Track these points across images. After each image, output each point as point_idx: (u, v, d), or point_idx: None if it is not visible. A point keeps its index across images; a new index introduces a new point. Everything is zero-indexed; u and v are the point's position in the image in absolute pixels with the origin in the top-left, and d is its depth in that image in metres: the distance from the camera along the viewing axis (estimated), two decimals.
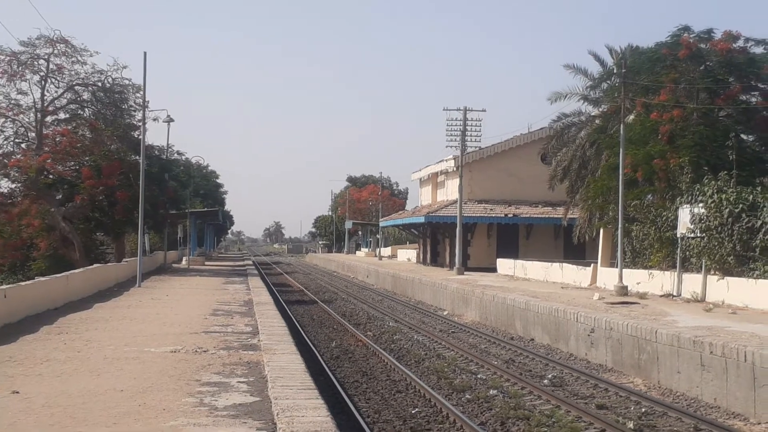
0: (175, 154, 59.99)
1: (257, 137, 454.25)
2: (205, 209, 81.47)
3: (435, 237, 63.40)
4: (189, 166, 72.23)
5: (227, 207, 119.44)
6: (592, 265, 37.88)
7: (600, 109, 42.11)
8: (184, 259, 64.18)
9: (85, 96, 47.19)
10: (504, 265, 48.65)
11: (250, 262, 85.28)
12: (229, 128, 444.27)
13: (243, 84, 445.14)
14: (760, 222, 26.64)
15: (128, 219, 44.94)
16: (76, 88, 46.40)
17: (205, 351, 16.49)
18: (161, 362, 14.99)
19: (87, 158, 45.30)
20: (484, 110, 51.88)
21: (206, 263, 68.65)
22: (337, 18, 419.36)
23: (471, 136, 50.71)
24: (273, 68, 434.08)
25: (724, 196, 28.03)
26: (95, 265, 37.11)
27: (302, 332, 27.25)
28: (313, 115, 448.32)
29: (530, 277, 42.88)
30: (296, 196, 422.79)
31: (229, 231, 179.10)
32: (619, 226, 31.74)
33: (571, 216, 44.17)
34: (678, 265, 29.43)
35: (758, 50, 34.55)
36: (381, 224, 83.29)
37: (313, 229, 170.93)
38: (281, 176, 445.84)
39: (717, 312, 23.83)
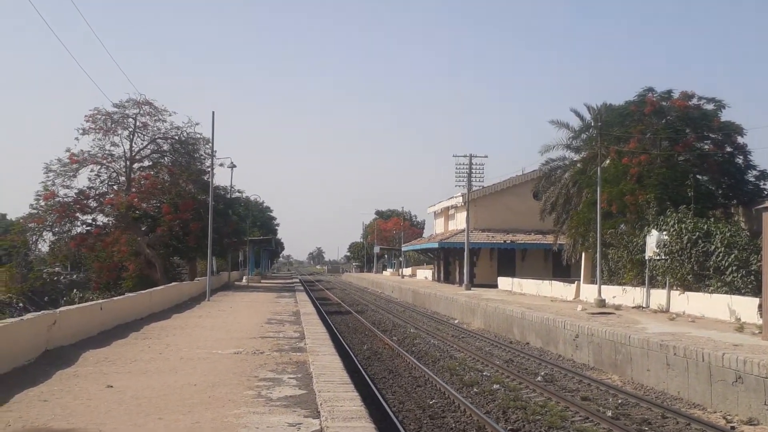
0: (237, 193, 60.27)
1: (305, 178, 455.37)
2: (261, 237, 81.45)
3: (447, 259, 63.19)
4: (248, 202, 72.63)
5: (278, 235, 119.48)
6: (576, 282, 37.61)
7: (580, 155, 41.88)
8: (244, 278, 64.27)
9: (165, 147, 47.52)
10: (504, 282, 48.38)
11: (297, 281, 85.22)
12: (281, 167, 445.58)
13: (292, 130, 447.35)
14: (713, 247, 26.43)
15: (199, 246, 45.10)
16: (158, 140, 46.79)
17: (261, 353, 16.50)
18: (226, 362, 15.02)
19: (166, 197, 45.60)
20: (486, 156, 51.91)
21: (262, 281, 68.64)
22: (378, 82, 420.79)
23: (475, 176, 50.69)
24: (314, 117, 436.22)
25: (683, 225, 27.85)
26: (173, 283, 37.23)
27: (340, 337, 27.19)
28: (347, 159, 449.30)
29: (525, 292, 42.59)
30: (335, 225, 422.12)
31: (280, 255, 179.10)
32: (598, 250, 31.56)
33: (560, 242, 43.93)
34: (646, 282, 29.19)
35: (709, 107, 34.45)
36: (403, 249, 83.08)
37: (348, 253, 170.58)
38: (324, 210, 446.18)
39: (679, 321, 23.59)
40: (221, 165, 49.17)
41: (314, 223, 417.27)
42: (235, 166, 50.25)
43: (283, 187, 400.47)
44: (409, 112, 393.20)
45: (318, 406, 10.54)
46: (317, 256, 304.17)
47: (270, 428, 9.37)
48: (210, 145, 40.01)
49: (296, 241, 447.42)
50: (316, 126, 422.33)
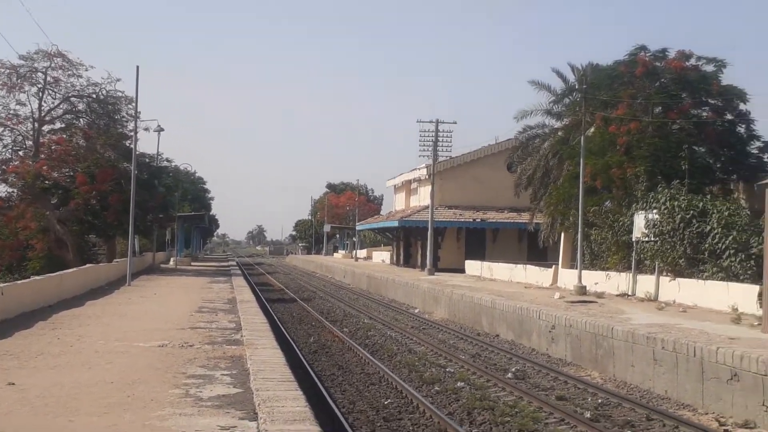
0: (165, 162, 59.68)
1: (243, 144, 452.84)
2: (192, 213, 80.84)
3: (408, 240, 63.44)
4: (177, 172, 71.94)
5: (213, 211, 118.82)
6: (553, 266, 38.06)
7: (562, 122, 42.32)
8: (172, 259, 63.87)
9: (80, 107, 46.90)
10: (472, 266, 48.76)
11: (234, 263, 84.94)
12: (215, 136, 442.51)
13: (230, 93, 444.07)
14: (708, 227, 26.89)
15: (119, 222, 44.62)
16: (72, 99, 46.10)
17: (190, 345, 16.45)
18: (149, 356, 14.94)
19: (81, 165, 44.97)
20: (454, 122, 52.63)
21: (192, 264, 68.33)
22: (326, 36, 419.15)
23: (442, 146, 50.92)
24: (258, 77, 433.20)
25: (676, 203, 28.27)
26: (87, 265, 36.85)
27: (282, 328, 27.18)
28: (295, 124, 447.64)
29: (496, 278, 43.00)
30: (278, 201, 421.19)
31: (214, 234, 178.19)
32: (579, 230, 31.92)
33: (536, 221, 44.38)
34: (633, 266, 29.65)
35: (709, 68, 34.76)
36: (357, 228, 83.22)
37: (294, 232, 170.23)
38: (264, 182, 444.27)
39: (669, 310, 24.03)
40: (146, 129, 48.66)
41: (255, 198, 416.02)
42: (162, 129, 49.87)
43: (220, 157, 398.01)
44: (368, 71, 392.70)
45: (255, 407, 10.56)
46: (258, 236, 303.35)
47: None
48: (134, 105, 39.40)
49: (234, 218, 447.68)
50: (257, 87, 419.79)
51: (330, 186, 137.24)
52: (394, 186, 72.18)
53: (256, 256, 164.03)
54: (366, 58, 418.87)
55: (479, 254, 53.19)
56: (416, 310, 36.08)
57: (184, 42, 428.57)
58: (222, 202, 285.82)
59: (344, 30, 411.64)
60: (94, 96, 46.35)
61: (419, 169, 60.10)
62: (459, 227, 56.15)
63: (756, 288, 22.11)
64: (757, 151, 35.08)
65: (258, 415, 10.06)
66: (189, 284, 38.73)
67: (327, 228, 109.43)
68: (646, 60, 34.69)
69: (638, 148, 33.01)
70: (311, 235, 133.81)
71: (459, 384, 17.57)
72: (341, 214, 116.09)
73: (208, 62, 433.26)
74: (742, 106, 34.63)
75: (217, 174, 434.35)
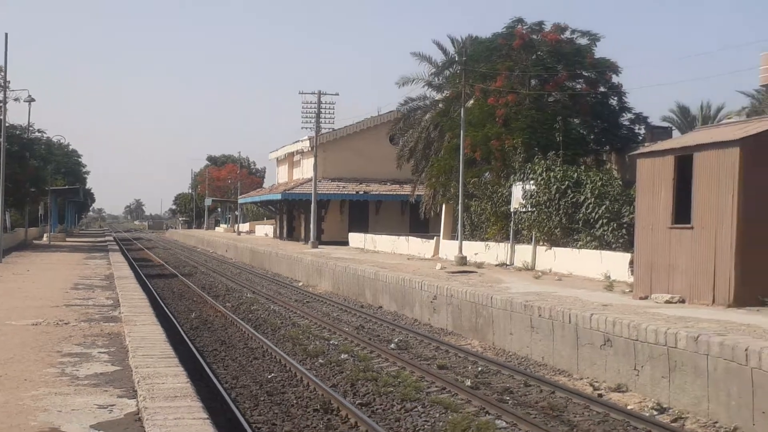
0: (36, 133, 57.47)
1: (120, 117, 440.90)
2: (66, 187, 78.33)
3: (291, 213, 63.20)
4: (50, 144, 69.48)
5: (88, 185, 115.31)
6: (435, 237, 38.63)
7: (443, 94, 42.76)
8: (45, 235, 61.83)
9: None
10: (355, 238, 49.02)
11: (111, 239, 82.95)
12: (90, 109, 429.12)
13: (100, 59, 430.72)
14: (583, 197, 27.67)
15: None
16: None
17: (66, 323, 16.01)
18: (22, 334, 14.48)
19: None
20: (337, 94, 52.68)
21: (67, 240, 66.38)
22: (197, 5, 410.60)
23: (325, 118, 50.90)
24: (134, 48, 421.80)
25: (552, 174, 28.97)
26: None
27: (162, 304, 26.71)
28: (174, 96, 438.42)
29: (379, 250, 43.35)
30: (157, 174, 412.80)
31: (90, 208, 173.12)
32: (460, 201, 32.47)
33: (418, 193, 44.86)
34: (511, 237, 30.37)
35: (583, 41, 35.66)
36: (240, 201, 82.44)
37: (174, 206, 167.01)
38: (143, 154, 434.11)
39: (545, 279, 24.74)
40: (16, 99, 46.70)
41: (133, 172, 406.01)
42: (33, 99, 48.00)
43: (95, 129, 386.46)
44: (249, 42, 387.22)
45: (135, 384, 10.39)
46: (136, 210, 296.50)
47: (76, 411, 9.15)
48: (2, 74, 37.79)
49: (110, 192, 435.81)
50: (133, 54, 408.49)
51: (211, 159, 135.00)
52: (277, 158, 71.71)
53: (134, 231, 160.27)
54: (247, 28, 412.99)
55: (362, 226, 53.49)
56: (300, 284, 36.05)
57: (59, 12, 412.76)
58: (98, 175, 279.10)
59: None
60: None
61: (302, 141, 59.84)
62: (342, 199, 56.29)
63: (627, 256, 22.97)
64: (628, 123, 36.20)
65: (137, 393, 9.89)
66: (64, 260, 37.62)
67: (208, 202, 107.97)
68: (524, 33, 35.27)
69: (516, 120, 33.64)
70: (192, 209, 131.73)
71: (343, 356, 17.66)
72: (223, 188, 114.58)
73: (83, 34, 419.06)
74: (614, 79, 35.66)
75: (92, 147, 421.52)
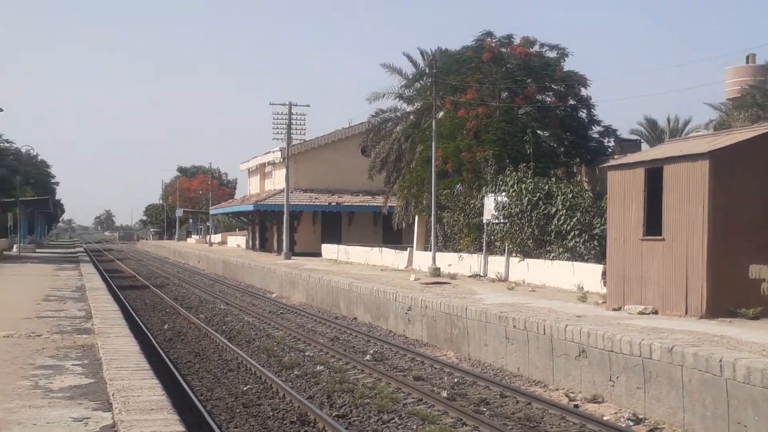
0: (5, 143, 56.86)
1: (90, 128, 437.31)
2: (36, 197, 77.56)
3: (263, 224, 62.91)
4: (19, 154, 68.82)
5: (58, 196, 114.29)
6: (408, 249, 38.58)
7: (414, 107, 42.79)
8: (15, 246, 61.02)
9: None
10: (328, 250, 48.85)
11: (82, 250, 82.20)
12: (61, 119, 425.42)
13: (70, 70, 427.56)
14: (554, 209, 27.79)
15: None
16: None
17: (38, 335, 15.76)
18: None
19: None
20: (308, 105, 52.25)
21: (37, 251, 65.63)
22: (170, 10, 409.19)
23: (296, 129, 50.70)
24: (104, 54, 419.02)
25: (523, 185, 29.06)
26: None
27: (135, 316, 26.41)
28: (145, 107, 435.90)
29: (353, 261, 43.21)
30: (127, 185, 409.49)
31: (60, 219, 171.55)
32: (432, 213, 32.45)
33: (390, 204, 44.80)
34: (484, 248, 30.38)
35: (552, 54, 35.93)
36: (211, 212, 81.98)
37: (144, 217, 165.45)
38: (113, 165, 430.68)
39: (519, 290, 24.74)
40: None
41: (102, 182, 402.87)
42: (1, 110, 47.41)
43: (64, 140, 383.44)
44: (222, 54, 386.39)
45: (110, 397, 10.24)
46: (106, 221, 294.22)
47: (50, 424, 8.99)
48: None
49: (80, 203, 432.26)
50: (103, 63, 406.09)
51: (181, 169, 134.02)
52: (248, 169, 71.39)
53: (105, 242, 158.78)
54: (219, 41, 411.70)
55: (335, 238, 53.31)
56: (273, 295, 35.84)
57: (28, 21, 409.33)
58: (68, 186, 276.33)
59: (195, 9, 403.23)
60: None
61: (274, 152, 59.58)
62: (315, 211, 56.07)
63: (600, 267, 23.05)
64: (597, 135, 36.55)
65: (113, 405, 9.74)
66: (34, 272, 37.15)
67: (179, 212, 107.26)
68: (493, 46, 35.45)
69: (487, 133, 33.75)
70: (163, 220, 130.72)
71: (318, 368, 17.53)
72: (194, 198, 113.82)
73: (53, 44, 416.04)
74: (583, 92, 35.96)
75: (62, 158, 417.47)
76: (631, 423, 12.95)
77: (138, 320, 25.31)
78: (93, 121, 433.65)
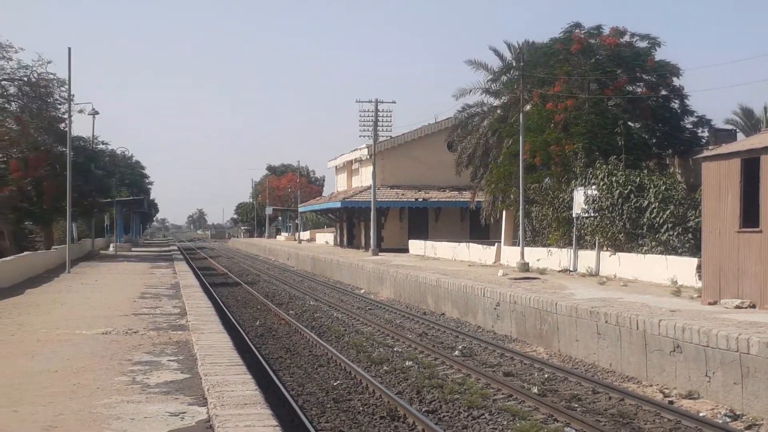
0: (101, 145, 58.58)
1: (182, 128, 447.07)
2: (131, 198, 79.64)
3: (351, 221, 63.32)
4: (114, 156, 70.88)
5: (152, 195, 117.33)
6: (496, 244, 38.33)
7: (500, 100, 42.45)
8: (112, 245, 62.88)
9: (11, 90, 45.67)
10: (415, 245, 48.91)
11: (175, 248, 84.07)
12: (154, 121, 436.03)
13: (161, 72, 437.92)
14: (646, 202, 27.29)
15: (56, 208, 43.62)
16: (2, 83, 44.88)
17: (135, 332, 16.19)
18: (93, 344, 14.67)
19: (14, 150, 43.88)
20: (394, 102, 52.38)
21: (133, 249, 67.37)
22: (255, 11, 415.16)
23: (382, 126, 50.92)
24: (195, 59, 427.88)
25: (614, 178, 28.61)
26: (25, 253, 36.08)
27: (228, 313, 26.93)
28: (235, 107, 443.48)
29: (440, 257, 43.17)
30: (218, 184, 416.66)
31: (154, 218, 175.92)
32: (520, 207, 32.17)
33: (477, 199, 44.59)
34: (574, 242, 29.98)
35: (642, 44, 35.22)
36: (300, 210, 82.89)
37: (235, 215, 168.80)
38: (205, 165, 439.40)
39: (610, 285, 24.35)
40: (81, 111, 47.56)
41: (195, 182, 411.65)
42: (97, 113, 48.87)
43: (158, 140, 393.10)
44: (306, 51, 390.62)
45: (205, 392, 10.43)
46: (198, 220, 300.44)
47: (148, 419, 9.21)
48: (66, 87, 38.54)
49: (173, 202, 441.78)
50: (195, 70, 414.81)
51: (270, 168, 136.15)
52: (336, 167, 71.97)
53: (197, 241, 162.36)
54: (307, 40, 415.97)
55: (422, 234, 53.36)
56: (362, 291, 36.06)
57: (119, 23, 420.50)
58: (161, 186, 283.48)
59: (285, 10, 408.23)
60: (25, 79, 45.17)
61: (360, 149, 59.96)
62: (401, 207, 56.20)
63: (694, 260, 22.52)
64: (691, 126, 35.67)
65: (208, 400, 9.92)
66: (130, 270, 38.18)
67: (269, 210, 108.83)
68: (581, 37, 34.98)
69: (575, 125, 33.31)
70: (253, 218, 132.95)
71: (407, 363, 17.58)
72: (283, 196, 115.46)
73: (144, 45, 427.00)
74: (675, 82, 35.16)
75: (156, 157, 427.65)
76: (728, 419, 12.63)
77: (230, 317, 25.79)
78: (186, 121, 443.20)
